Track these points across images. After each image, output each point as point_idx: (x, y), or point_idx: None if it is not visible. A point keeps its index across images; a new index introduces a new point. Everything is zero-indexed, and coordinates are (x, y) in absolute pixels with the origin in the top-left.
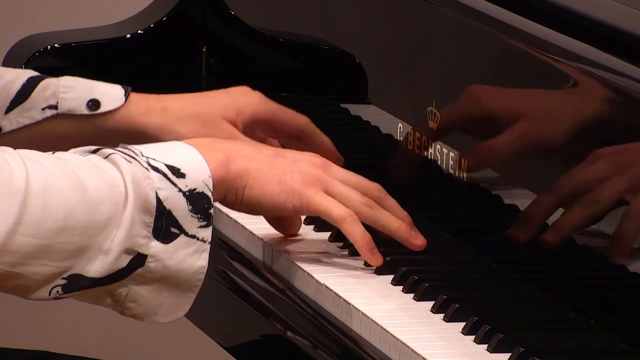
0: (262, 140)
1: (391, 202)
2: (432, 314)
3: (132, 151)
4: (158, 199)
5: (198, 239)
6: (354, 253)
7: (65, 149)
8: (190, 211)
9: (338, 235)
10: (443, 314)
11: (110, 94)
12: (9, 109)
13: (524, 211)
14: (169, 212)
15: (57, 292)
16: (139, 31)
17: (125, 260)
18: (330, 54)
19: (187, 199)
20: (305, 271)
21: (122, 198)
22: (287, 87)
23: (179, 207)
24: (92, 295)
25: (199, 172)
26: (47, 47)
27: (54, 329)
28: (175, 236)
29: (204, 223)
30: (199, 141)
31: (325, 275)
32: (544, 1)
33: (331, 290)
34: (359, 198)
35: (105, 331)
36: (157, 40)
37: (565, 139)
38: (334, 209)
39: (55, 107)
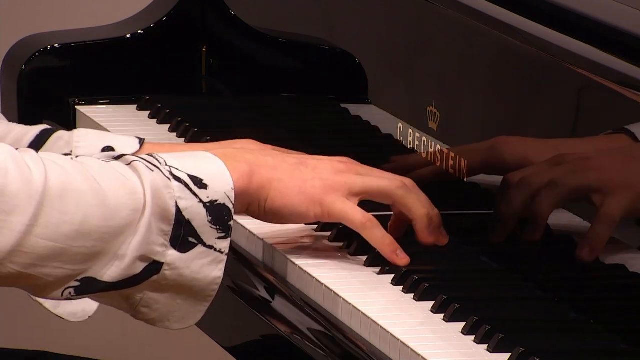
0: None
1: (420, 196)
2: (432, 314)
3: (156, 159)
4: (177, 209)
5: (215, 249)
6: (354, 253)
7: None
8: (210, 222)
9: (338, 235)
10: (443, 314)
11: (124, 142)
12: None
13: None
14: (188, 222)
15: (70, 293)
16: (139, 31)
17: (140, 267)
18: (330, 54)
19: (207, 210)
20: (305, 271)
21: (140, 205)
22: (287, 87)
23: (199, 217)
24: (106, 298)
25: (221, 184)
26: (47, 47)
27: (53, 329)
28: (193, 246)
29: (222, 234)
30: (224, 152)
31: (326, 275)
32: (544, 1)
33: (331, 290)
34: (383, 182)
35: (104, 331)
36: (157, 40)
37: (565, 140)
38: (354, 215)
39: (69, 155)
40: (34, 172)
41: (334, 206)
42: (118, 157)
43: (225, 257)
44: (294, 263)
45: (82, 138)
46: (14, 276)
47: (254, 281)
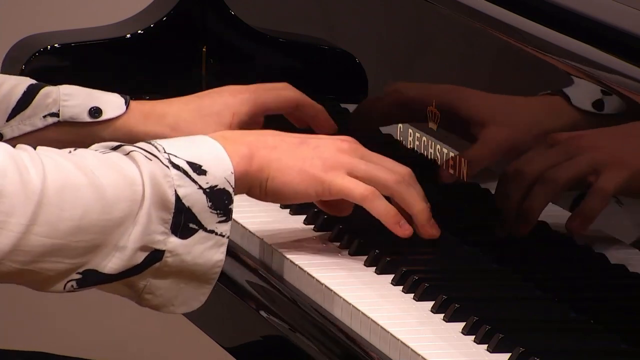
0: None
1: (417, 189)
2: (432, 314)
3: (155, 147)
4: (177, 197)
5: (217, 233)
6: (354, 253)
7: None
8: (210, 207)
9: (337, 235)
10: (443, 314)
11: (111, 102)
12: (11, 117)
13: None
14: (188, 209)
15: (72, 286)
16: (139, 31)
17: (141, 257)
18: (330, 54)
19: (207, 196)
20: (304, 271)
21: (139, 196)
22: None
23: (198, 203)
24: (110, 287)
25: (221, 169)
26: (47, 47)
27: (52, 330)
28: (194, 231)
29: (223, 218)
30: (223, 134)
31: (325, 275)
32: (544, 1)
33: (331, 290)
34: (384, 175)
35: (104, 332)
36: (157, 40)
37: (565, 139)
38: (354, 188)
39: (56, 114)
40: (32, 172)
41: (334, 182)
42: (117, 147)
43: (226, 240)
44: (293, 263)
45: (69, 97)
46: (13, 273)
47: (253, 281)
